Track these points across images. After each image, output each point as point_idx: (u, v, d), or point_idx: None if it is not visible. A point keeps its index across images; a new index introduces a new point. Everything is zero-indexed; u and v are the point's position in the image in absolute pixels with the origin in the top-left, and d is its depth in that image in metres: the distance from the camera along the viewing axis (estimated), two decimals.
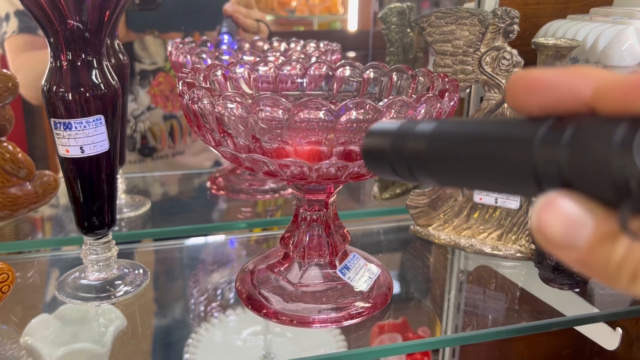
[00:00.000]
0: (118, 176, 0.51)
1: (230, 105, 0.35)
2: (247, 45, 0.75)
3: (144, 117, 0.84)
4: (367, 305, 0.45)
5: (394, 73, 0.48)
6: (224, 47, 0.73)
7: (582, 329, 0.56)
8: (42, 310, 0.48)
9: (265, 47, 0.77)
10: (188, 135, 0.88)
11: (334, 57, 0.69)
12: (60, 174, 0.46)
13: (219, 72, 0.48)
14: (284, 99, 0.34)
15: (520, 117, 0.16)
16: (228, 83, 0.48)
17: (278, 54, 0.65)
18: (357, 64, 0.51)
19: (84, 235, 0.46)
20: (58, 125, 0.41)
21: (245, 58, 0.62)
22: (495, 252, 0.56)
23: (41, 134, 0.86)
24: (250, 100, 0.34)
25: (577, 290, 0.50)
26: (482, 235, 0.57)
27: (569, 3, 0.69)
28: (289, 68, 0.52)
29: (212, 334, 0.47)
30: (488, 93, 0.56)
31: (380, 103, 0.34)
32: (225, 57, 0.64)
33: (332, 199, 0.45)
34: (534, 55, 0.52)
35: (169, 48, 0.67)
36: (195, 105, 0.37)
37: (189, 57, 0.62)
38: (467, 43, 0.54)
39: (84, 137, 0.41)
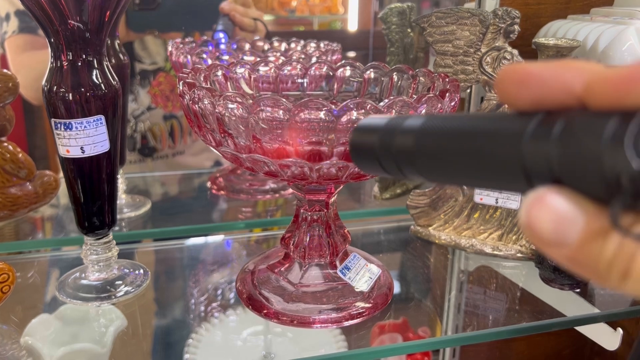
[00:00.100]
0: (118, 176, 0.51)
1: (230, 106, 0.35)
2: (247, 46, 0.75)
3: (144, 117, 0.84)
4: (367, 305, 0.45)
5: (395, 73, 0.48)
6: (222, 46, 0.72)
7: (583, 329, 0.56)
8: (42, 311, 0.48)
9: (266, 47, 0.77)
10: (188, 135, 0.88)
11: (334, 57, 0.69)
12: (61, 174, 0.46)
13: (219, 73, 0.48)
14: (284, 99, 0.34)
15: (510, 111, 0.16)
16: (228, 83, 0.48)
17: (278, 54, 0.65)
18: (357, 64, 0.51)
19: (84, 235, 0.46)
20: (58, 125, 0.41)
21: (246, 58, 0.62)
22: (495, 252, 0.56)
23: (41, 134, 0.86)
24: (250, 101, 0.34)
25: (578, 290, 0.50)
26: (482, 236, 0.57)
27: (569, 3, 0.69)
28: (289, 68, 0.52)
29: (212, 334, 0.47)
30: (489, 93, 0.56)
31: (381, 103, 0.34)
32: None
33: (332, 199, 0.45)
34: (535, 55, 0.52)
35: (170, 48, 0.67)
36: (196, 106, 0.37)
37: (189, 57, 0.62)
38: (467, 43, 0.54)
39: (84, 137, 0.41)
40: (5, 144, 0.55)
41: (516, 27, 0.54)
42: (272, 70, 0.51)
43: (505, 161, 0.15)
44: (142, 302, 0.48)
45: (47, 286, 0.54)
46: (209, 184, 0.74)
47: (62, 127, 0.41)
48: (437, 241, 0.59)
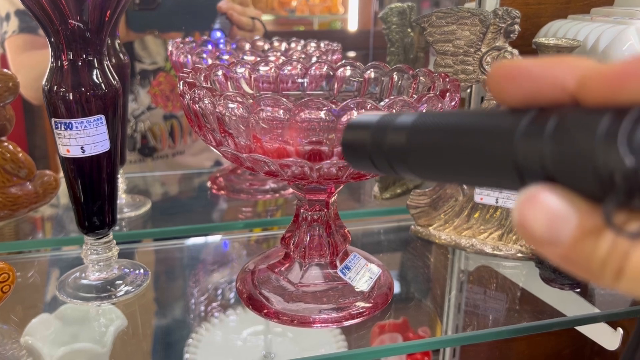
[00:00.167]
0: (118, 176, 0.51)
1: (231, 105, 0.35)
2: (247, 45, 0.75)
3: (144, 116, 0.84)
4: (367, 305, 0.45)
5: (395, 73, 0.48)
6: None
7: (583, 329, 0.56)
8: (42, 310, 0.48)
9: (266, 47, 0.77)
10: (188, 135, 0.88)
11: (334, 57, 0.69)
12: (61, 174, 0.46)
13: (219, 72, 0.48)
14: (284, 99, 0.34)
15: (502, 108, 0.16)
16: (229, 83, 0.48)
17: (279, 53, 0.65)
18: (357, 63, 0.51)
19: (84, 235, 0.46)
20: (59, 125, 0.41)
21: (246, 58, 0.62)
22: (496, 252, 0.56)
23: (42, 133, 0.86)
24: (251, 100, 0.34)
25: (578, 290, 0.50)
26: (482, 235, 0.57)
27: (569, 3, 0.69)
28: (289, 68, 0.52)
29: (212, 334, 0.47)
30: (489, 93, 0.56)
31: (381, 103, 0.34)
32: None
33: (332, 199, 0.45)
34: (535, 55, 0.52)
35: (170, 48, 0.67)
36: (196, 105, 0.37)
37: (189, 56, 0.62)
38: (468, 43, 0.54)
39: (84, 137, 0.41)
40: (6, 143, 0.55)
41: (516, 26, 0.54)
42: (273, 70, 0.51)
43: (498, 159, 0.15)
44: (142, 301, 0.48)
45: (47, 286, 0.54)
46: (209, 184, 0.74)
47: (63, 126, 0.41)
48: (437, 241, 0.58)
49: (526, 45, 0.58)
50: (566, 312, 0.48)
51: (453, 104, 0.39)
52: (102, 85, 0.42)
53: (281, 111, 0.34)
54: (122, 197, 0.66)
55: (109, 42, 0.58)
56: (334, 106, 0.33)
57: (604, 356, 0.91)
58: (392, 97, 0.35)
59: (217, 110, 0.35)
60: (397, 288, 0.51)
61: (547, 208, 0.14)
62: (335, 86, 0.51)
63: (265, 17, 0.94)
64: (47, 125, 0.84)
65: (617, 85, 0.13)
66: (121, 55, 0.59)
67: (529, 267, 0.55)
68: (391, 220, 0.69)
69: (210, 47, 0.71)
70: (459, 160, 0.16)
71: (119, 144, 0.45)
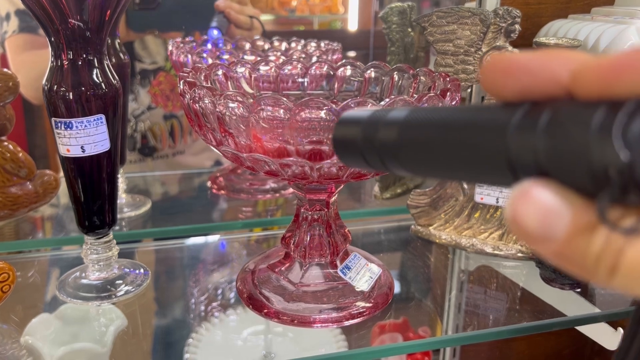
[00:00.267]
0: (119, 176, 0.51)
1: (231, 105, 0.35)
2: (247, 45, 0.75)
3: (144, 116, 0.84)
4: (368, 305, 0.45)
5: (395, 72, 0.48)
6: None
7: (583, 329, 0.56)
8: (42, 310, 0.48)
9: (266, 46, 0.77)
10: (188, 134, 0.88)
11: (334, 57, 0.69)
12: (61, 174, 0.46)
13: (220, 72, 0.48)
14: (285, 99, 0.34)
15: (495, 102, 0.15)
16: (229, 82, 0.48)
17: (279, 53, 0.65)
18: (358, 63, 0.51)
19: (84, 234, 0.46)
20: (59, 124, 0.41)
21: (246, 57, 0.62)
22: (496, 252, 0.56)
23: (42, 133, 0.86)
24: (251, 100, 0.34)
25: (578, 290, 0.50)
26: (483, 235, 0.57)
27: (570, 3, 0.69)
28: (290, 67, 0.52)
29: (212, 334, 0.47)
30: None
31: (382, 102, 0.34)
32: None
33: (333, 199, 0.45)
34: None
35: (170, 47, 0.67)
36: (197, 105, 0.37)
37: (189, 56, 0.62)
38: (468, 42, 0.54)
39: (84, 137, 0.41)
40: (6, 143, 0.55)
41: (517, 26, 0.54)
42: (273, 69, 0.51)
43: (490, 154, 0.15)
44: (143, 301, 0.48)
45: (48, 285, 0.54)
46: (209, 184, 0.74)
47: (63, 126, 0.41)
48: (437, 241, 0.58)
49: (527, 45, 0.58)
50: (566, 312, 0.48)
51: (453, 103, 0.39)
52: (102, 84, 0.42)
53: (281, 111, 0.33)
54: (122, 197, 0.66)
55: (109, 41, 0.58)
56: (334, 106, 0.33)
57: (604, 356, 0.91)
58: (392, 97, 0.35)
59: (217, 109, 0.35)
60: (397, 288, 0.51)
61: (540, 204, 0.14)
62: (336, 86, 0.51)
63: (265, 17, 0.94)
64: (47, 124, 0.84)
65: (611, 78, 0.12)
66: (121, 55, 0.59)
67: (529, 267, 0.55)
68: (391, 220, 0.69)
69: (210, 46, 0.71)
70: (451, 155, 0.16)
71: (119, 143, 0.45)
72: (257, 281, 0.47)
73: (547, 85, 0.14)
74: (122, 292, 0.47)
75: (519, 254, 0.55)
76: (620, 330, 0.52)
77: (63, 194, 0.65)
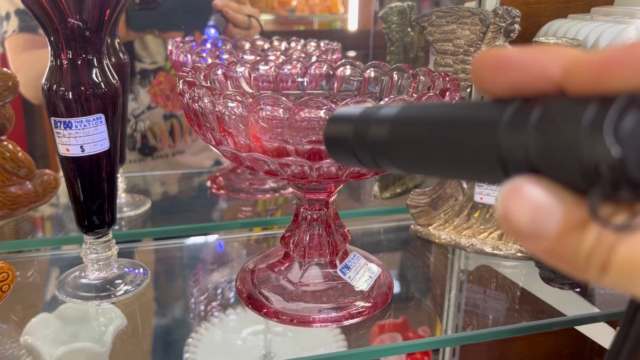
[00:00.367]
0: (118, 175, 0.51)
1: (230, 104, 0.35)
2: (247, 45, 0.75)
3: (144, 116, 0.84)
4: (367, 304, 0.45)
5: (395, 72, 0.48)
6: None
7: (583, 329, 0.56)
8: (42, 310, 0.48)
9: (266, 46, 0.77)
10: (188, 134, 0.88)
11: (334, 57, 0.69)
12: (61, 173, 0.46)
13: (219, 71, 0.48)
14: (284, 98, 0.34)
15: (486, 99, 0.15)
16: (228, 82, 0.48)
17: (278, 53, 0.65)
18: (357, 63, 0.51)
19: (84, 234, 0.46)
20: (58, 124, 0.41)
21: (246, 57, 0.62)
22: (495, 251, 0.56)
23: (41, 132, 0.86)
24: (250, 99, 0.34)
25: (578, 290, 0.50)
26: (482, 235, 0.57)
27: (570, 2, 0.69)
28: (289, 67, 0.52)
29: (212, 333, 0.47)
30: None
31: (381, 102, 0.34)
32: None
33: (332, 198, 0.45)
34: None
35: (170, 47, 0.67)
36: (196, 104, 0.37)
37: (189, 56, 0.62)
38: (468, 42, 0.54)
39: (84, 136, 0.41)
40: (5, 142, 0.55)
41: (516, 26, 0.54)
42: (272, 69, 0.51)
43: (481, 150, 0.14)
44: (142, 301, 0.48)
45: (47, 285, 0.54)
46: (209, 183, 0.74)
47: (62, 125, 0.41)
48: (437, 240, 0.58)
49: (526, 45, 0.58)
50: (566, 311, 0.48)
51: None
52: (102, 84, 0.42)
53: (281, 110, 0.33)
54: (121, 197, 0.66)
55: (109, 41, 0.58)
56: (333, 105, 0.33)
57: (604, 356, 0.91)
58: (392, 96, 0.35)
59: (216, 109, 0.35)
60: (396, 287, 0.51)
61: (531, 200, 0.13)
62: (335, 85, 0.51)
63: (265, 17, 0.94)
64: (46, 124, 0.84)
65: (603, 74, 0.12)
66: (121, 55, 0.59)
67: (528, 267, 0.55)
68: (391, 219, 0.69)
69: (209, 46, 0.71)
70: (443, 152, 0.16)
71: (118, 143, 0.45)
72: (257, 281, 0.47)
73: (538, 81, 0.14)
74: (121, 292, 0.47)
75: (519, 254, 0.55)
76: None
77: (63, 193, 0.65)
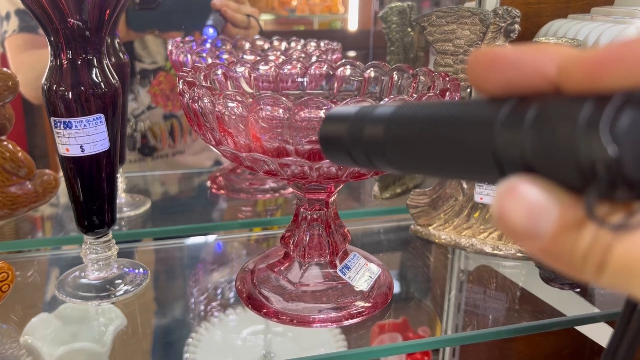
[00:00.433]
0: (118, 175, 0.51)
1: (230, 104, 0.35)
2: (247, 45, 0.75)
3: (144, 116, 0.84)
4: (367, 304, 0.45)
5: (395, 72, 0.48)
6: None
7: (583, 329, 0.56)
8: (42, 310, 0.48)
9: (266, 46, 0.77)
10: (188, 134, 0.88)
11: (334, 57, 0.69)
12: (61, 173, 0.46)
13: (219, 71, 0.48)
14: (284, 98, 0.34)
15: (481, 97, 0.15)
16: (228, 82, 0.48)
17: (278, 53, 0.65)
18: (357, 63, 0.51)
19: (84, 234, 0.46)
20: (58, 124, 0.41)
21: (246, 57, 0.62)
22: (495, 251, 0.56)
23: (41, 132, 0.86)
24: (250, 99, 0.34)
25: (578, 290, 0.50)
26: (482, 235, 0.57)
27: (570, 2, 0.69)
28: (289, 67, 0.52)
29: (212, 333, 0.47)
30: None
31: (381, 102, 0.34)
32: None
33: (332, 199, 0.45)
34: None
35: (170, 47, 0.67)
36: (196, 104, 0.37)
37: (189, 56, 0.62)
38: (468, 42, 0.54)
39: (84, 136, 0.41)
40: (5, 142, 0.55)
41: (516, 26, 0.54)
42: (272, 69, 0.51)
43: (477, 150, 0.14)
44: (142, 301, 0.48)
45: (47, 285, 0.54)
46: (208, 183, 0.74)
47: (62, 125, 0.41)
48: (437, 241, 0.58)
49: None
50: (566, 311, 0.48)
51: None
52: (102, 84, 0.42)
53: (281, 110, 0.33)
54: (121, 197, 0.66)
55: (109, 41, 0.58)
56: (333, 105, 0.33)
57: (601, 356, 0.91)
58: (392, 97, 0.35)
59: (216, 109, 0.35)
60: (396, 288, 0.51)
61: (526, 200, 0.13)
62: (335, 85, 0.51)
63: (265, 17, 0.94)
64: (46, 124, 0.84)
65: (598, 72, 0.12)
66: (121, 55, 0.59)
67: (528, 267, 0.55)
68: (391, 219, 0.69)
69: (209, 46, 0.71)
70: (438, 151, 0.16)
71: (118, 143, 0.45)
72: (257, 281, 0.47)
73: (533, 79, 0.14)
74: (121, 292, 0.47)
75: (519, 254, 0.55)
76: None
77: (63, 193, 0.65)
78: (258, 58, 0.54)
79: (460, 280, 0.56)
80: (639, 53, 0.12)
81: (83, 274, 0.48)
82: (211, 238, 0.64)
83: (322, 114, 0.33)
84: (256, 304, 0.44)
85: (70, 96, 0.40)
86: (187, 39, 0.72)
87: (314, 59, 0.62)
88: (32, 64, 0.77)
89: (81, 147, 0.42)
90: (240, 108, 0.34)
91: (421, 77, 0.45)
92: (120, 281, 0.48)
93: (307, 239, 0.45)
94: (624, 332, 0.31)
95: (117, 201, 0.48)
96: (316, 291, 0.45)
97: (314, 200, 0.44)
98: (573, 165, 0.12)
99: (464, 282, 0.56)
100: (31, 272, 0.55)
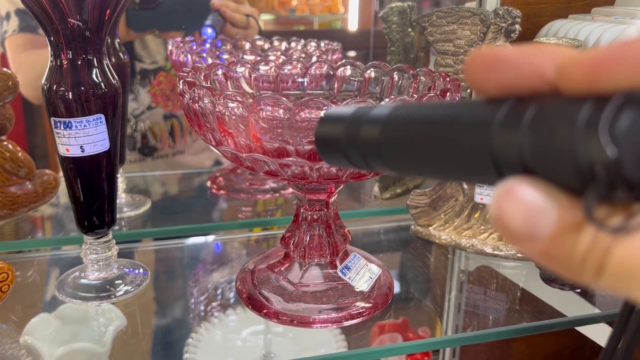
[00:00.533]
0: (118, 175, 0.51)
1: (231, 105, 0.35)
2: (247, 45, 0.75)
3: (144, 116, 0.84)
4: (367, 305, 0.44)
5: (395, 72, 0.48)
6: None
7: (583, 330, 0.56)
8: (42, 310, 0.48)
9: (266, 46, 0.77)
10: (188, 134, 0.88)
11: (334, 57, 0.69)
12: (61, 173, 0.46)
13: (219, 72, 0.48)
14: (284, 98, 0.34)
15: (479, 98, 0.15)
16: (229, 82, 0.48)
17: (279, 53, 0.65)
18: (358, 63, 0.51)
19: (84, 234, 0.46)
20: (58, 124, 0.41)
21: (246, 57, 0.62)
22: (496, 252, 0.56)
23: (41, 133, 0.86)
24: (251, 100, 0.34)
25: (578, 290, 0.50)
26: (483, 236, 0.57)
27: (570, 3, 0.69)
28: (289, 67, 0.52)
29: (212, 334, 0.47)
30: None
31: (382, 103, 0.34)
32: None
33: (332, 199, 0.45)
34: None
35: (170, 47, 0.67)
36: (196, 105, 0.37)
37: (189, 56, 0.62)
38: (468, 42, 0.54)
39: (84, 137, 0.41)
40: (5, 142, 0.55)
41: (517, 26, 0.54)
42: (273, 69, 0.51)
43: (474, 151, 0.14)
44: (142, 301, 0.48)
45: (47, 285, 0.54)
46: (209, 183, 0.74)
47: (62, 126, 0.41)
48: (437, 241, 0.58)
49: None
50: (566, 312, 0.48)
51: None
52: (102, 84, 0.42)
53: (281, 111, 0.33)
54: (121, 197, 0.66)
55: (109, 41, 0.58)
56: (334, 106, 0.33)
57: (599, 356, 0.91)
58: (392, 97, 0.35)
59: (217, 109, 0.35)
60: (397, 288, 0.51)
61: (525, 202, 0.13)
62: (336, 86, 0.51)
63: (266, 17, 0.94)
64: (46, 124, 0.84)
65: (597, 73, 0.12)
66: (121, 55, 0.59)
67: (529, 267, 0.55)
68: (391, 220, 0.69)
69: (209, 46, 0.71)
70: (435, 153, 0.16)
71: (118, 143, 0.45)
72: (257, 281, 0.47)
73: (531, 80, 0.14)
74: (121, 292, 0.47)
75: (519, 255, 0.55)
76: None
77: (63, 193, 0.65)
78: (258, 58, 0.54)
79: (460, 280, 0.56)
80: (638, 54, 0.12)
81: (83, 274, 0.48)
82: (211, 238, 0.64)
83: (322, 114, 0.33)
84: (256, 305, 0.44)
85: (71, 96, 0.40)
86: (187, 39, 0.72)
87: (314, 59, 0.62)
88: (32, 64, 0.77)
89: (81, 147, 0.42)
90: (241, 108, 0.34)
91: (422, 78, 0.45)
92: (120, 281, 0.48)
93: (308, 239, 0.45)
94: (621, 332, 0.31)
95: (117, 201, 0.48)
96: (316, 292, 0.45)
97: (314, 201, 0.44)
98: (572, 166, 0.12)
99: (464, 282, 0.56)
100: (31, 272, 0.55)
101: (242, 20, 0.81)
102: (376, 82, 0.50)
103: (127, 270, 0.50)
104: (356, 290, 0.45)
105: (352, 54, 0.94)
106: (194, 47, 0.65)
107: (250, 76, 0.50)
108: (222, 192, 0.72)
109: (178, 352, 0.45)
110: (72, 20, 0.39)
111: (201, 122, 0.38)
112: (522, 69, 0.14)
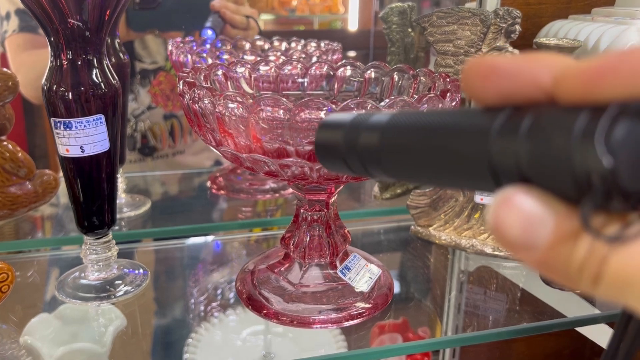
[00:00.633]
0: (118, 175, 0.51)
1: (231, 105, 0.35)
2: (247, 45, 0.75)
3: (144, 116, 0.84)
4: (367, 305, 0.44)
5: (395, 73, 0.48)
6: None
7: (583, 330, 0.56)
8: (41, 310, 0.48)
9: (266, 46, 0.77)
10: (188, 134, 0.88)
11: (334, 57, 0.69)
12: (60, 173, 0.46)
13: (219, 72, 0.48)
14: (285, 99, 0.34)
15: (477, 107, 0.15)
16: (229, 83, 0.48)
17: (279, 53, 0.65)
18: (358, 63, 0.51)
19: (83, 234, 0.46)
20: (58, 124, 0.41)
21: (246, 57, 0.62)
22: (496, 252, 0.56)
23: (41, 133, 0.86)
24: (251, 100, 0.34)
25: (578, 291, 0.50)
26: (483, 236, 0.57)
27: (570, 3, 0.69)
28: (289, 68, 0.52)
29: (212, 334, 0.47)
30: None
31: (382, 103, 0.34)
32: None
33: (332, 199, 0.45)
34: None
35: (170, 47, 0.67)
36: (196, 105, 0.37)
37: (189, 56, 0.62)
38: (468, 43, 0.54)
39: (84, 137, 0.41)
40: (5, 142, 0.55)
41: (517, 27, 0.54)
42: (273, 69, 0.51)
43: (472, 159, 0.14)
44: (142, 301, 0.48)
45: (47, 285, 0.54)
46: (209, 184, 0.74)
47: (62, 126, 0.41)
48: (437, 241, 0.58)
49: (527, 46, 0.58)
50: (566, 312, 0.48)
51: (453, 104, 0.39)
52: (102, 84, 0.42)
53: (281, 111, 0.33)
54: (121, 197, 0.66)
55: (109, 41, 0.58)
56: (334, 106, 0.33)
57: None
58: (392, 97, 0.35)
59: (216, 110, 0.35)
60: (397, 288, 0.51)
61: (522, 211, 0.13)
62: (336, 86, 0.51)
63: (266, 17, 0.94)
64: (46, 124, 0.84)
65: (594, 83, 0.12)
66: (121, 55, 0.59)
67: (529, 268, 0.55)
68: (391, 220, 0.69)
69: (209, 46, 0.71)
70: (433, 161, 0.16)
71: (118, 143, 0.45)
72: (257, 282, 0.47)
73: (528, 89, 0.14)
74: (121, 292, 0.47)
75: None
76: None
77: (63, 193, 0.65)
78: (258, 58, 0.54)
79: (460, 281, 0.56)
80: (634, 64, 0.12)
81: (83, 274, 0.48)
82: (211, 238, 0.64)
83: (322, 115, 0.33)
84: (256, 305, 0.44)
85: (70, 97, 0.40)
86: (187, 39, 0.72)
87: (314, 59, 0.62)
88: (32, 64, 0.77)
89: (81, 147, 0.42)
90: (241, 109, 0.34)
91: (422, 78, 0.45)
92: (120, 282, 0.48)
93: (308, 239, 0.45)
94: (622, 334, 0.31)
95: (117, 201, 0.48)
96: (316, 292, 0.45)
97: (314, 201, 0.44)
98: (568, 175, 0.12)
99: (464, 282, 0.56)
100: (31, 272, 0.55)
101: (242, 21, 0.81)
102: (376, 82, 0.50)
103: (127, 270, 0.50)
104: (356, 290, 0.45)
105: (352, 54, 0.94)
106: (194, 47, 0.65)
107: (251, 76, 0.50)
108: (222, 192, 0.72)
109: (178, 353, 0.45)
110: (72, 21, 0.39)
111: (201, 123, 0.38)
112: (519, 78, 0.14)
